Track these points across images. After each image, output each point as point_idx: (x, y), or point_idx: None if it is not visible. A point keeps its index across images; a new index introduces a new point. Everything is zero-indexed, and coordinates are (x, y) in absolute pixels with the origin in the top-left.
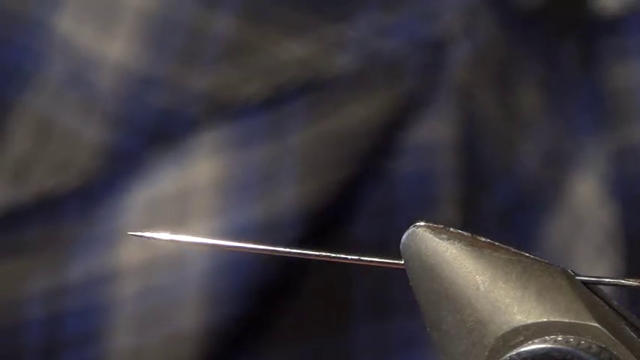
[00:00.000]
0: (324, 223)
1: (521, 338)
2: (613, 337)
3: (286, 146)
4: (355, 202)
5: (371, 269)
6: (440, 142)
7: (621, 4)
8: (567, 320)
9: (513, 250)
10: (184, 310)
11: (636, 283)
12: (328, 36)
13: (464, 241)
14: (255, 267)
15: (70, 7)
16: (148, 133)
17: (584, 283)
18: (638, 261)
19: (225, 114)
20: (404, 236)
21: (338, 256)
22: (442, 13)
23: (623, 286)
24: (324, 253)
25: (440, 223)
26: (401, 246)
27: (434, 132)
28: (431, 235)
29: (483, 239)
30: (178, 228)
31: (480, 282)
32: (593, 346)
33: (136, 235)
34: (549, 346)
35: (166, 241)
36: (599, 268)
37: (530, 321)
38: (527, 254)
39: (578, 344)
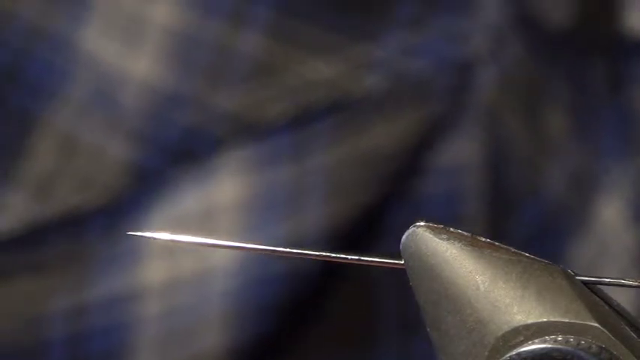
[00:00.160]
0: (350, 243)
1: (521, 338)
2: (613, 337)
3: (312, 166)
4: (381, 223)
5: (395, 285)
6: (466, 163)
7: None
8: (567, 320)
9: (513, 250)
10: (208, 329)
11: (636, 284)
12: (355, 56)
13: (464, 241)
14: (279, 286)
15: (95, 23)
16: (172, 151)
17: (584, 283)
18: None
19: (251, 133)
20: (404, 236)
21: (338, 256)
22: (469, 35)
23: (623, 286)
24: (324, 253)
25: None
26: (401, 246)
27: (460, 153)
28: (431, 235)
29: (483, 239)
30: (202, 247)
31: (480, 282)
32: (593, 346)
33: (136, 235)
34: (549, 346)
35: (166, 241)
36: (622, 290)
37: (530, 321)
38: (527, 254)
39: (578, 344)
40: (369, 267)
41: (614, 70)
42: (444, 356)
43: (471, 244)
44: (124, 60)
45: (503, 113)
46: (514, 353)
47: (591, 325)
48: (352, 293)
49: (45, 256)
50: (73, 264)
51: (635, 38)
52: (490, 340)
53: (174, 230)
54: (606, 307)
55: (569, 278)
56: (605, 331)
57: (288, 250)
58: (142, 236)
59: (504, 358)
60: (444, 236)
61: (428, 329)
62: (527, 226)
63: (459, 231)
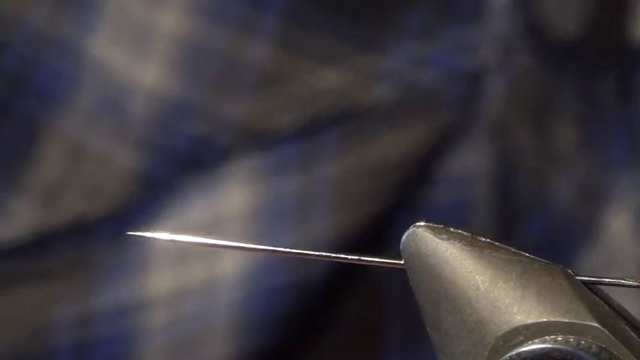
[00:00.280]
0: (358, 253)
1: (521, 338)
2: (613, 337)
3: (320, 176)
4: (389, 233)
5: (402, 297)
6: (475, 173)
7: None
8: (567, 320)
9: (513, 250)
10: (214, 339)
11: (636, 284)
12: (364, 66)
13: (464, 241)
14: (286, 296)
15: (103, 31)
16: (180, 160)
17: (584, 283)
18: None
19: (259, 143)
20: (404, 236)
21: (338, 256)
22: (478, 45)
23: (623, 286)
24: (324, 253)
25: None
26: (401, 246)
27: (469, 163)
28: (431, 235)
29: (483, 239)
30: (209, 256)
31: (480, 282)
32: (593, 346)
33: (136, 235)
34: (549, 346)
35: (166, 241)
36: (631, 302)
37: (530, 321)
38: (527, 254)
39: (578, 344)
40: (376, 278)
41: (624, 81)
42: (444, 356)
43: (471, 244)
44: (132, 68)
45: (512, 124)
46: (514, 353)
47: (591, 325)
48: (359, 304)
49: (52, 264)
50: (79, 272)
51: None
52: (490, 340)
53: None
54: (606, 307)
55: (569, 278)
56: (605, 331)
57: (288, 250)
58: (142, 236)
59: (504, 358)
60: (444, 236)
61: (428, 329)
62: (535, 237)
63: (459, 231)
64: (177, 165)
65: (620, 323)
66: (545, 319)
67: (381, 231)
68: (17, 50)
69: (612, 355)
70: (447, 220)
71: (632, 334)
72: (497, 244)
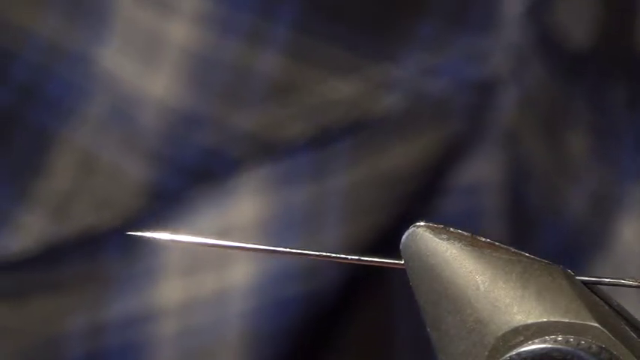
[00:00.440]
0: (369, 268)
1: (521, 338)
2: (613, 337)
3: (331, 187)
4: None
5: (415, 308)
6: (486, 183)
7: None
8: (567, 320)
9: (513, 250)
10: (224, 350)
11: (636, 284)
12: (375, 76)
13: (464, 241)
14: (296, 307)
15: (113, 42)
16: (190, 171)
17: (584, 283)
18: None
19: (270, 153)
20: (404, 236)
21: (338, 256)
22: (489, 55)
23: (623, 286)
24: (324, 253)
25: None
26: (401, 246)
27: (480, 173)
28: (431, 235)
29: (483, 239)
30: (220, 266)
31: (480, 282)
32: (593, 346)
33: (136, 235)
34: (549, 346)
35: (166, 241)
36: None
37: (530, 321)
38: (527, 254)
39: (578, 344)
40: (387, 289)
41: (635, 90)
42: (444, 356)
43: (471, 244)
44: (142, 79)
45: (523, 133)
46: (514, 353)
47: (591, 325)
48: (369, 316)
49: (62, 275)
50: (90, 283)
51: None
52: (490, 340)
53: (192, 249)
54: (606, 307)
55: (569, 278)
56: (605, 331)
57: (288, 250)
58: (142, 236)
59: (504, 358)
60: (444, 236)
61: (428, 329)
62: (547, 247)
63: (459, 231)
64: (187, 176)
65: (620, 323)
66: (545, 319)
67: (392, 241)
68: (28, 61)
69: (612, 355)
70: (458, 228)
71: (632, 334)
72: (497, 244)
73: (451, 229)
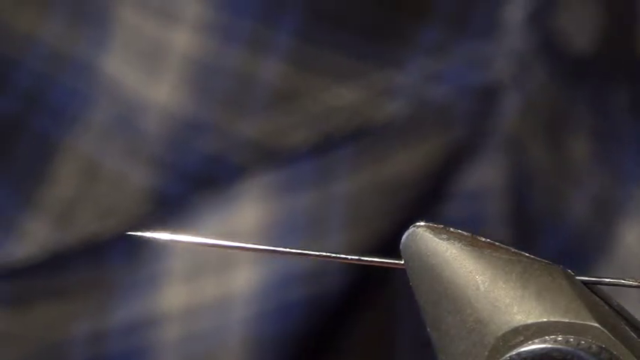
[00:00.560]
0: (372, 271)
1: (521, 338)
2: (613, 337)
3: (334, 193)
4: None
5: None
6: (489, 189)
7: None
8: (567, 320)
9: (513, 250)
10: (227, 356)
11: (636, 284)
12: (377, 82)
13: (464, 241)
14: (299, 313)
15: (116, 49)
16: (193, 178)
17: (584, 283)
18: None
19: (273, 160)
20: (404, 236)
21: (338, 256)
22: (492, 61)
23: (623, 286)
24: (324, 253)
25: None
26: (401, 246)
27: (483, 179)
28: (431, 235)
29: (483, 239)
30: (223, 272)
31: (479, 282)
32: (593, 346)
33: (136, 236)
34: (549, 346)
35: (166, 241)
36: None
37: (530, 321)
38: (527, 254)
39: (578, 344)
40: (390, 294)
41: (637, 94)
42: (444, 356)
43: (471, 244)
44: (146, 86)
45: (526, 139)
46: (514, 353)
47: (591, 325)
48: (372, 319)
49: (66, 282)
50: (93, 290)
51: None
52: (490, 340)
53: (195, 255)
54: (606, 307)
55: (569, 278)
56: (605, 331)
57: (288, 250)
58: (142, 236)
59: (504, 358)
60: (444, 236)
61: (428, 329)
62: (550, 251)
63: (459, 231)
64: (190, 183)
65: (620, 323)
66: (545, 319)
67: (395, 247)
68: (31, 68)
69: (612, 355)
70: None
71: (632, 334)
72: (497, 244)
73: (451, 229)
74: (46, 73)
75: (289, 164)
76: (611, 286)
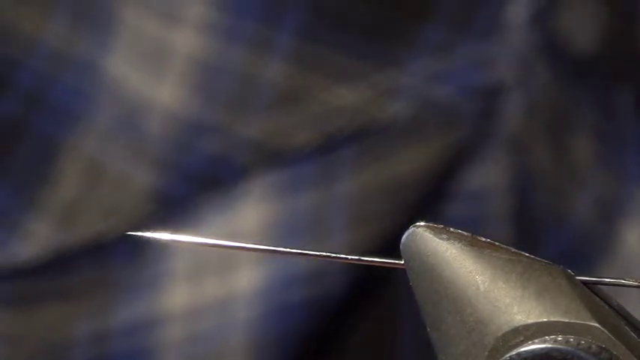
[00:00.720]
0: (373, 273)
1: (521, 338)
2: (613, 337)
3: (336, 193)
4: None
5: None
6: (492, 189)
7: None
8: (567, 320)
9: (513, 250)
10: (230, 356)
11: (636, 284)
12: (380, 83)
13: (464, 241)
14: (301, 314)
15: (119, 50)
16: (197, 178)
17: (584, 283)
18: None
19: (276, 161)
20: (404, 236)
21: (338, 255)
22: (495, 61)
23: (623, 285)
24: (324, 253)
25: None
26: (401, 246)
27: (486, 179)
28: (431, 235)
29: (483, 239)
30: (225, 273)
31: (479, 282)
32: (593, 346)
33: (136, 236)
34: (549, 346)
35: (167, 241)
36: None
37: (530, 321)
38: (527, 254)
39: (578, 344)
40: (392, 294)
41: None
42: (444, 356)
43: (471, 244)
44: (149, 87)
45: (528, 139)
46: (514, 353)
47: (591, 325)
48: (374, 321)
49: (69, 282)
50: (96, 290)
51: None
52: (490, 340)
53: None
54: (606, 307)
55: (569, 278)
56: (605, 331)
57: (288, 250)
58: (142, 236)
59: (504, 358)
60: (444, 236)
61: (428, 329)
62: (552, 252)
63: (459, 231)
64: (193, 183)
65: (620, 323)
66: (545, 319)
67: (397, 248)
68: (35, 69)
69: (612, 355)
70: None
71: (632, 334)
72: (497, 244)
73: (451, 229)
74: (49, 73)
75: (292, 164)
76: (611, 286)
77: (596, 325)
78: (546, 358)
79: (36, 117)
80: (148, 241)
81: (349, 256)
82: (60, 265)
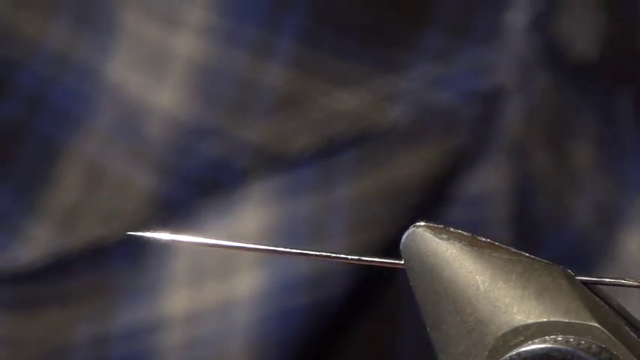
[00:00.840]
0: (374, 276)
1: (521, 338)
2: (613, 337)
3: (336, 198)
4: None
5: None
6: (492, 194)
7: None
8: (567, 320)
9: (513, 250)
10: None
11: (636, 284)
12: (380, 87)
13: (464, 241)
14: (301, 318)
15: (120, 54)
16: (197, 182)
17: (584, 283)
18: None
19: (276, 165)
20: (404, 236)
21: (338, 256)
22: (495, 67)
23: (623, 285)
24: (324, 253)
25: None
26: (401, 246)
27: (486, 184)
28: (431, 235)
29: (483, 239)
30: (225, 277)
31: (479, 282)
32: (593, 346)
33: (136, 236)
34: (549, 346)
35: (167, 241)
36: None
37: (530, 321)
38: (527, 254)
39: (578, 344)
40: (392, 299)
41: None
42: (444, 356)
43: (471, 244)
44: (149, 91)
45: (529, 144)
46: (514, 353)
47: (591, 325)
48: (374, 325)
49: (69, 286)
50: (96, 294)
51: None
52: (490, 340)
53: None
54: (606, 307)
55: (569, 278)
56: (605, 331)
57: (288, 250)
58: (142, 236)
59: (504, 358)
60: (444, 236)
61: (428, 329)
62: (552, 257)
63: (459, 231)
64: (194, 187)
65: (620, 323)
66: (545, 319)
67: (398, 252)
68: (36, 72)
69: (612, 355)
70: None
71: (632, 334)
72: (497, 244)
73: (451, 229)
74: (50, 76)
75: (292, 169)
76: (611, 286)
77: (596, 325)
78: (546, 358)
79: (37, 120)
80: (148, 243)
81: (349, 256)
82: (60, 269)
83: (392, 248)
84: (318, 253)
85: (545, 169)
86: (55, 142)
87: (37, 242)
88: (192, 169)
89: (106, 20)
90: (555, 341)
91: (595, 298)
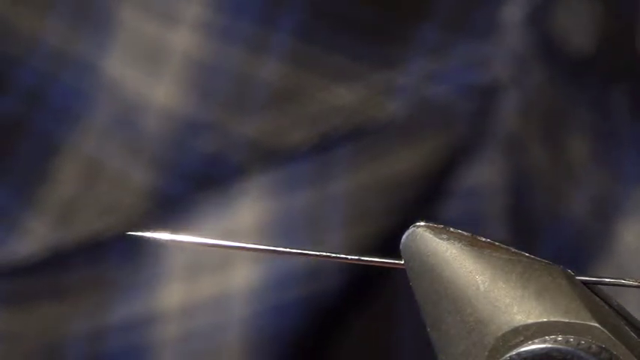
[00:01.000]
0: (370, 271)
1: (521, 338)
2: (613, 337)
3: (332, 192)
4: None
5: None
6: (488, 188)
7: None
8: (567, 320)
9: (513, 250)
10: (226, 354)
11: (636, 284)
12: (377, 82)
13: (464, 241)
14: (297, 312)
15: (117, 50)
16: (194, 177)
17: (584, 283)
18: None
19: (272, 160)
20: (404, 236)
21: (338, 255)
22: (491, 61)
23: (623, 285)
24: (323, 253)
25: None
26: (401, 246)
27: (482, 179)
28: (431, 235)
29: (483, 239)
30: (221, 271)
31: (479, 282)
32: (593, 346)
33: (136, 235)
34: (549, 346)
35: (166, 241)
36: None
37: (530, 321)
38: (527, 254)
39: (578, 344)
40: (389, 293)
41: (637, 94)
42: (444, 356)
43: (471, 244)
44: (146, 87)
45: (525, 139)
46: (514, 353)
47: (591, 325)
48: (371, 319)
49: (66, 280)
50: (93, 289)
51: None
52: (490, 340)
53: (194, 254)
54: (606, 307)
55: (569, 278)
56: (605, 331)
57: (287, 249)
58: (142, 236)
59: (504, 358)
60: (444, 236)
61: (428, 329)
62: (548, 251)
63: (459, 231)
64: (190, 182)
65: (620, 323)
66: (545, 319)
67: (395, 247)
68: (34, 68)
69: (612, 355)
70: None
71: (632, 334)
72: (497, 244)
73: (451, 229)
74: (48, 72)
75: (288, 163)
76: (611, 286)
77: (596, 325)
78: (546, 358)
79: (35, 116)
80: (145, 240)
81: (349, 256)
82: (57, 263)
83: (388, 242)
84: (317, 253)
85: (542, 163)
86: (53, 137)
87: (34, 236)
88: (188, 163)
89: (104, 16)
90: (555, 341)
91: (595, 298)
